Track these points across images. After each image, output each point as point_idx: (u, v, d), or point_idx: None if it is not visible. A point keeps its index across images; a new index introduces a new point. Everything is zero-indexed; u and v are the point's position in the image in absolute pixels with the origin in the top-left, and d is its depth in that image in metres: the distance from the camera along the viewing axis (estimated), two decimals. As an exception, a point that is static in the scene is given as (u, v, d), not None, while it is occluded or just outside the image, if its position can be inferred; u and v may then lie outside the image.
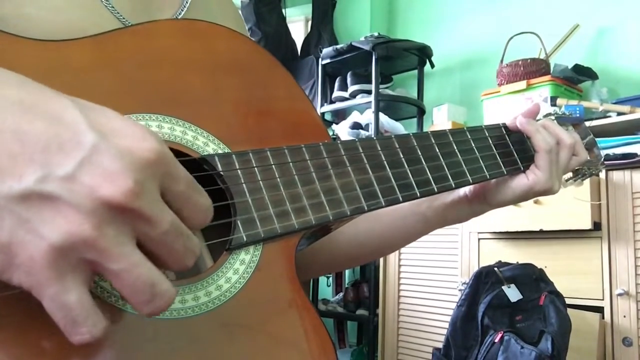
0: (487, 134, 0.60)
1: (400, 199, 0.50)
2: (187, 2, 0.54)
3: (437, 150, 0.55)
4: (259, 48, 0.49)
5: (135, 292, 0.28)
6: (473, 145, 0.58)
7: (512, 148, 0.61)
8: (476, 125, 0.60)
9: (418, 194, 0.51)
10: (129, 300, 0.28)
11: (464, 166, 0.56)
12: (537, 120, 0.64)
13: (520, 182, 0.59)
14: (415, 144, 0.53)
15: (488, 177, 0.58)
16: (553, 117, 0.66)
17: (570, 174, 0.68)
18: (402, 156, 0.52)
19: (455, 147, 0.56)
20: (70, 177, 0.26)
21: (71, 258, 0.26)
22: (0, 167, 0.25)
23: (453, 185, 0.54)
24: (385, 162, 0.50)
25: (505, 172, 0.59)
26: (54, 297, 0.26)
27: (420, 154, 0.53)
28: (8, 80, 0.28)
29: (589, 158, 0.64)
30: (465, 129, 0.59)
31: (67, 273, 0.26)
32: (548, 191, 0.59)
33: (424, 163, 0.53)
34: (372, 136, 2.34)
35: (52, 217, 0.26)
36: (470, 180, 0.56)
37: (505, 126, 0.62)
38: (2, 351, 0.29)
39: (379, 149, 0.51)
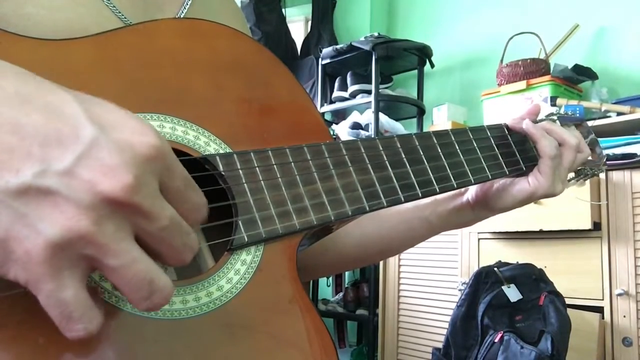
0: (489, 134, 0.60)
1: (402, 199, 0.50)
2: (188, 2, 0.54)
3: (439, 150, 0.55)
4: (261, 47, 0.49)
5: (133, 288, 0.27)
6: (475, 145, 0.58)
7: (514, 148, 0.61)
8: (478, 125, 0.60)
9: (420, 194, 0.51)
10: (127, 296, 0.28)
11: (465, 166, 0.56)
12: (539, 120, 0.64)
13: (522, 187, 0.59)
14: (417, 144, 0.53)
15: (490, 177, 0.58)
16: (555, 118, 0.66)
17: (572, 174, 0.67)
18: (404, 156, 0.52)
19: (457, 147, 0.56)
20: (68, 172, 0.25)
21: (69, 254, 0.26)
22: None
23: (455, 185, 0.54)
24: (387, 162, 0.50)
25: (507, 172, 0.59)
26: (49, 294, 0.26)
27: (422, 154, 0.53)
28: (5, 72, 0.27)
29: (590, 158, 0.63)
30: (467, 129, 0.58)
31: (64, 269, 0.26)
32: (550, 195, 0.59)
33: (426, 163, 0.53)
34: (372, 136, 2.34)
35: (50, 212, 0.25)
36: (472, 181, 0.56)
37: (507, 126, 0.62)
38: (2, 350, 0.29)
39: (381, 149, 0.51)
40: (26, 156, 0.25)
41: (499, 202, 0.60)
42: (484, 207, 0.62)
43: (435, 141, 0.55)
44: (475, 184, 0.57)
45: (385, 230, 0.64)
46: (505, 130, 0.62)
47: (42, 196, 0.25)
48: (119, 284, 0.27)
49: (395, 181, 0.50)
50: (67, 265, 0.26)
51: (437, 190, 0.53)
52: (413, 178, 0.51)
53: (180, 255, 0.30)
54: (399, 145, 0.52)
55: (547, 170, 0.58)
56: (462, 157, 0.56)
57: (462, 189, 0.62)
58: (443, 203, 0.62)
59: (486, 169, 0.58)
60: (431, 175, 0.53)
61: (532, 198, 0.59)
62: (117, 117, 0.28)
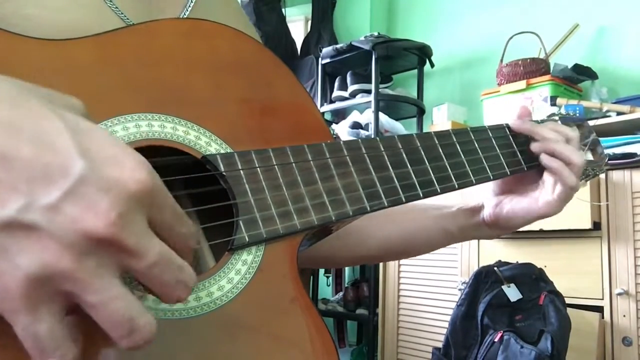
0: (490, 135, 0.60)
1: (403, 199, 0.50)
2: (191, 3, 0.54)
3: (440, 151, 0.54)
4: (263, 48, 0.49)
5: (112, 326, 0.27)
6: (476, 145, 0.58)
7: (516, 149, 0.61)
8: (480, 126, 0.60)
9: (421, 195, 0.51)
10: (107, 333, 0.28)
11: (467, 167, 0.56)
12: (541, 121, 0.64)
13: (531, 210, 0.60)
14: (419, 144, 0.53)
15: (492, 177, 0.58)
16: (557, 118, 0.66)
17: None
18: (405, 156, 0.52)
19: (459, 148, 0.56)
20: (53, 208, 0.25)
21: (47, 289, 0.26)
22: None
23: (456, 185, 0.54)
24: (388, 162, 0.50)
25: (508, 173, 0.59)
26: (24, 327, 0.26)
27: (423, 154, 0.53)
28: None
29: (593, 158, 0.63)
30: (468, 129, 0.58)
31: (40, 303, 0.26)
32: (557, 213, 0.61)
33: (427, 163, 0.53)
34: (372, 136, 2.34)
35: (31, 247, 0.25)
36: (474, 181, 0.56)
37: (508, 126, 0.62)
38: (3, 352, 0.29)
39: (382, 149, 0.50)
40: (12, 190, 0.25)
41: (510, 223, 0.63)
42: (498, 227, 0.64)
43: (437, 141, 0.55)
44: (476, 184, 0.57)
45: (408, 236, 0.67)
46: (507, 131, 0.62)
47: (24, 231, 0.25)
48: (99, 321, 0.27)
49: (396, 181, 0.50)
50: (44, 300, 0.26)
51: (438, 190, 0.53)
52: (414, 178, 0.51)
53: (173, 292, 0.30)
54: (400, 146, 0.52)
55: (563, 195, 0.59)
56: (463, 157, 0.56)
57: (479, 207, 0.65)
58: (463, 218, 0.65)
59: (487, 169, 0.58)
60: (432, 175, 0.53)
61: (541, 218, 0.61)
62: (109, 152, 0.28)
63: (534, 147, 0.60)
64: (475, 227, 0.65)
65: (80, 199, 0.26)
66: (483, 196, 0.65)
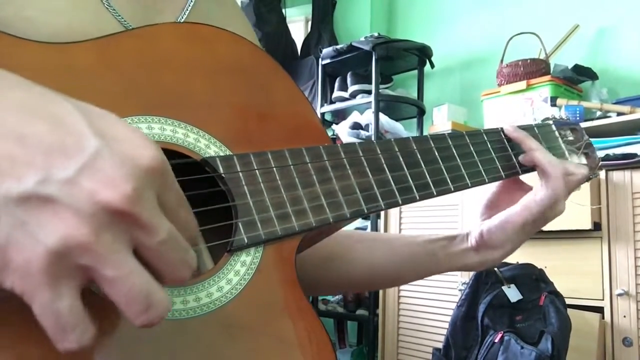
0: (486, 138, 0.60)
1: (400, 202, 0.50)
2: (189, 6, 0.54)
3: (437, 154, 0.55)
4: (261, 51, 0.50)
5: (129, 301, 0.27)
6: (472, 149, 0.58)
7: (511, 153, 0.61)
8: (475, 130, 0.61)
9: (417, 197, 0.51)
10: (122, 310, 0.28)
11: (462, 170, 0.56)
12: (536, 125, 0.64)
13: (510, 216, 0.59)
14: (415, 147, 0.54)
15: (487, 180, 0.58)
16: (551, 122, 0.66)
17: None
18: (401, 159, 0.52)
19: (455, 151, 0.57)
20: (70, 181, 0.26)
21: (67, 263, 0.26)
22: (0, 169, 0.25)
23: (452, 188, 0.55)
24: (385, 165, 0.51)
25: (504, 177, 0.60)
26: (45, 303, 0.26)
27: (419, 157, 0.53)
28: (10, 83, 0.28)
29: (586, 162, 0.64)
30: (464, 133, 0.59)
31: (61, 279, 0.26)
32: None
33: (424, 167, 0.53)
34: (372, 136, 2.34)
35: (50, 220, 0.25)
36: (469, 185, 0.56)
37: (503, 131, 0.62)
38: (6, 349, 0.30)
39: (379, 152, 0.51)
40: (29, 165, 0.26)
41: (493, 237, 0.61)
42: (484, 246, 0.62)
43: (433, 145, 0.55)
44: (472, 187, 0.57)
45: (395, 264, 0.65)
46: (502, 135, 0.62)
47: (42, 204, 0.25)
48: (115, 297, 0.27)
49: (393, 184, 0.50)
50: (64, 275, 0.26)
51: (434, 193, 0.53)
52: (411, 181, 0.52)
53: (178, 272, 0.30)
54: (396, 149, 0.52)
55: (547, 202, 0.58)
56: (459, 160, 0.56)
57: (465, 235, 0.63)
58: (450, 244, 0.63)
59: (483, 172, 0.58)
60: (429, 178, 0.53)
61: (525, 225, 0.60)
62: (120, 130, 0.29)
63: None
64: (461, 252, 0.63)
65: (97, 173, 0.26)
66: (471, 225, 0.63)
